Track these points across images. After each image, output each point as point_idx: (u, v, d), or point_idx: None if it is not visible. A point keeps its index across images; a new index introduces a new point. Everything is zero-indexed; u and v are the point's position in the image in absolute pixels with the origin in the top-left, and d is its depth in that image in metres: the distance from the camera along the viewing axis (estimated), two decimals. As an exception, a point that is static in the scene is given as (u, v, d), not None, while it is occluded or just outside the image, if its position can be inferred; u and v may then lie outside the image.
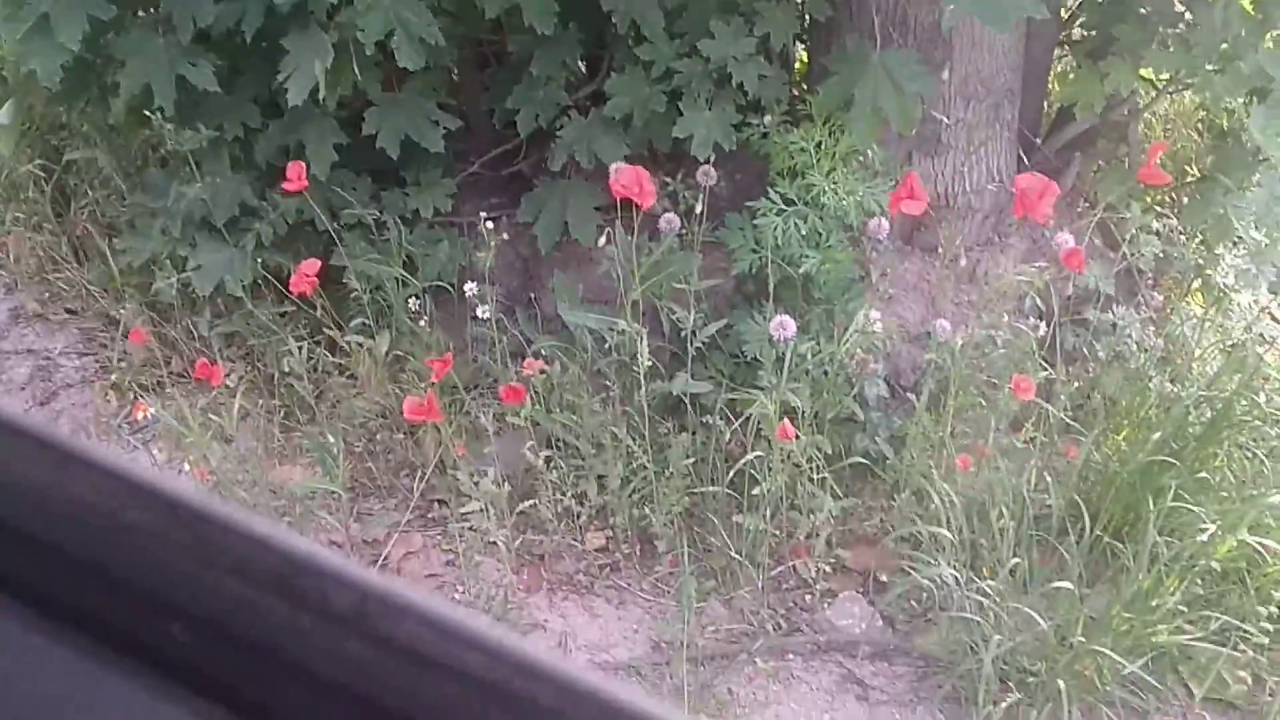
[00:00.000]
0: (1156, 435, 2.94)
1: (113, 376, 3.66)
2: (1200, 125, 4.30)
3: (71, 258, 4.02)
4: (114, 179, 3.91)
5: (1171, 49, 3.38)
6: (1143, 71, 3.56)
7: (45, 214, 4.11)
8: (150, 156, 4.03)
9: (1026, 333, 2.90)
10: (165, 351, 3.63)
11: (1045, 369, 2.99)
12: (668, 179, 3.30)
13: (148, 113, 3.25)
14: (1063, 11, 3.80)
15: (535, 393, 2.96)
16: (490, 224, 3.05)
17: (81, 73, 3.46)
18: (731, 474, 2.84)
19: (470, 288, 3.11)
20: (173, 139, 3.26)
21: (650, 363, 2.81)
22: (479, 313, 3.05)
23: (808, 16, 3.46)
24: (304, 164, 3.16)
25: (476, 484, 2.88)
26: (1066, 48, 4.04)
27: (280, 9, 3.04)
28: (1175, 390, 3.17)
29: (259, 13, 3.11)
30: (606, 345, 3.04)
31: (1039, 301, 3.08)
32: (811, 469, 2.77)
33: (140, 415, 3.28)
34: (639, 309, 2.89)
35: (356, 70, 3.11)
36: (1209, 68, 3.27)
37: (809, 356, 2.83)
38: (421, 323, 3.25)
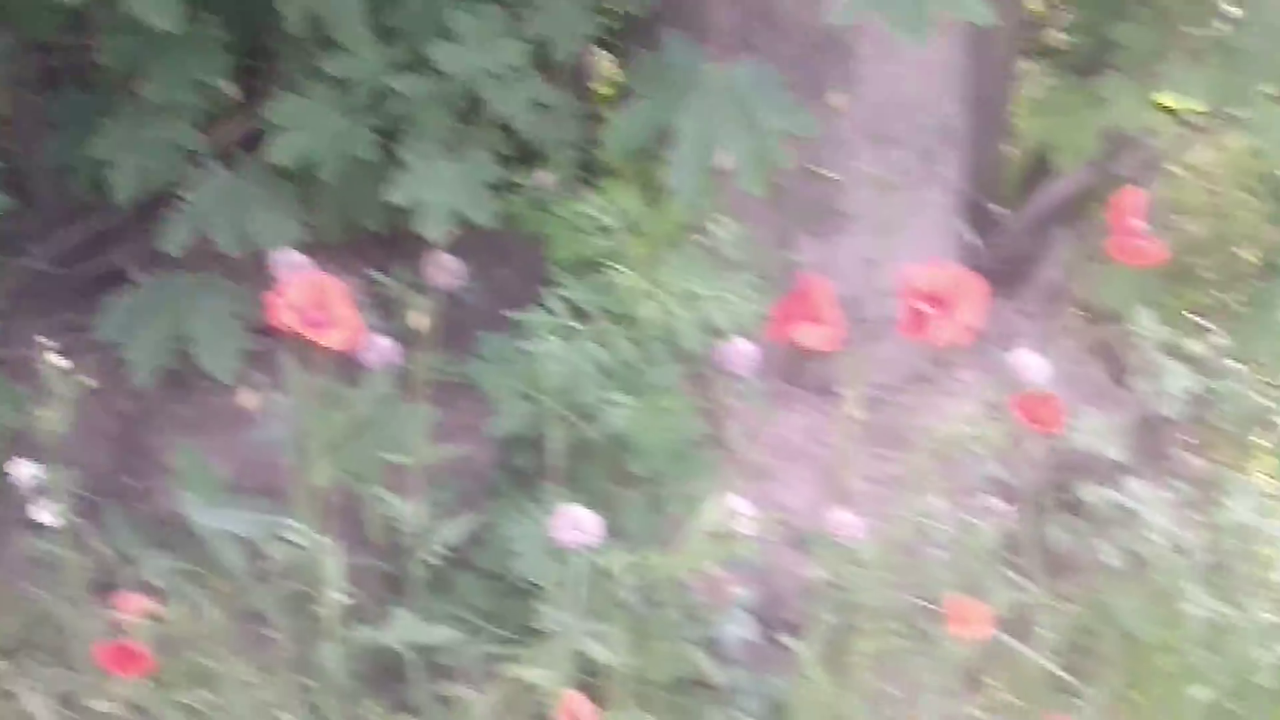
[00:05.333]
0: (1203, 694, 2.84)
1: None
2: (1258, 183, 4.26)
3: None
4: None
5: (1209, 64, 3.34)
6: (1162, 98, 3.51)
7: None
8: None
9: (982, 526, 2.82)
10: None
11: (1016, 586, 2.92)
12: (377, 275, 2.97)
13: None
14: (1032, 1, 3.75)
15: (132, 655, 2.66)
16: (59, 359, 2.75)
17: None
18: (494, 784, 2.66)
19: (24, 470, 2.82)
20: None
21: (348, 596, 2.68)
22: (40, 514, 2.81)
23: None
24: None
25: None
26: (1040, 61, 3.98)
27: None
28: (1231, 617, 3.01)
29: None
30: (267, 566, 2.86)
31: (1004, 474, 2.99)
32: (634, 769, 2.63)
33: None
34: (326, 502, 2.75)
35: None
36: (1266, 91, 3.18)
37: (621, 576, 2.71)
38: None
